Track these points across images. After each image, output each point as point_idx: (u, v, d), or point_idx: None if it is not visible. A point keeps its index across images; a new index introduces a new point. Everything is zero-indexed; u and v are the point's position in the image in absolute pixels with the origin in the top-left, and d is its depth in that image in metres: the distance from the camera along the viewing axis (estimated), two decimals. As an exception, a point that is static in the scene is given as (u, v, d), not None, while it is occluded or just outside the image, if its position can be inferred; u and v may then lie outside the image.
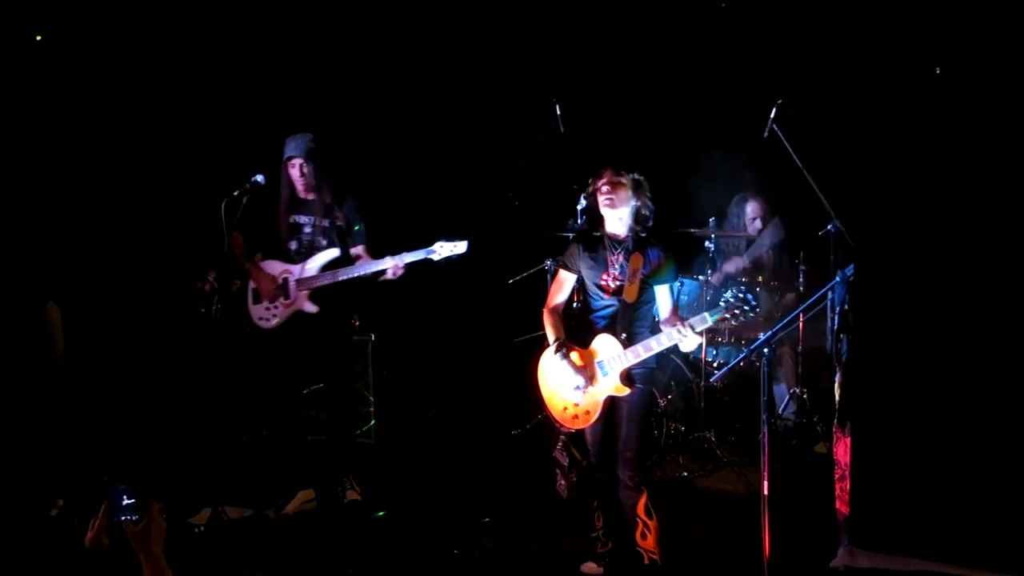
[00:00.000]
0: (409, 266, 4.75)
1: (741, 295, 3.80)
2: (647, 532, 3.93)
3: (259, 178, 4.61)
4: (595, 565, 4.15)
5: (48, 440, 5.39)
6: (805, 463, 5.52)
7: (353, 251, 4.91)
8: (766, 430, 3.70)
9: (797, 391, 5.90)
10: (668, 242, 4.05)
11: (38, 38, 6.55)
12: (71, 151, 6.52)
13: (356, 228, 4.92)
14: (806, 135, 5.28)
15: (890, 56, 5.47)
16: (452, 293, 6.56)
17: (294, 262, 4.88)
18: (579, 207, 5.66)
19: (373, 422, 6.25)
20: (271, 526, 4.80)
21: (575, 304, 4.65)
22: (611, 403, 3.95)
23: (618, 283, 3.97)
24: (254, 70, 6.88)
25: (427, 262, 4.76)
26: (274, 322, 4.90)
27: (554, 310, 4.13)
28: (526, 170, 5.83)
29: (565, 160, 5.96)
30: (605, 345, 3.93)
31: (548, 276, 5.89)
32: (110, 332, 6.12)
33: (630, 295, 3.93)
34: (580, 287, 4.16)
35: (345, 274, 4.79)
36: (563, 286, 4.13)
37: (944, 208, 3.77)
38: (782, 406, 5.98)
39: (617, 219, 3.99)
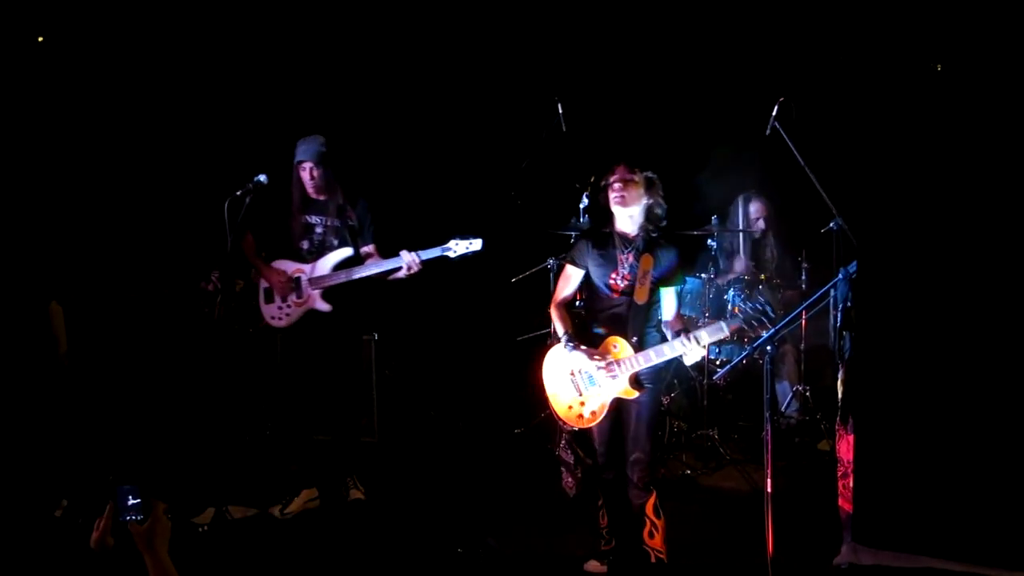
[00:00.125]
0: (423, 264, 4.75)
1: (760, 307, 3.76)
2: (655, 531, 3.92)
3: (262, 178, 4.61)
4: (598, 564, 4.15)
5: (52, 440, 5.40)
6: (808, 460, 5.52)
7: (364, 250, 4.92)
8: (769, 428, 3.70)
9: (800, 388, 5.91)
10: (677, 243, 4.01)
11: (40, 39, 6.55)
12: (74, 151, 6.53)
13: (367, 228, 4.93)
14: (808, 133, 5.28)
15: (891, 53, 5.46)
16: (455, 292, 6.57)
17: (305, 261, 4.89)
18: (581, 205, 5.67)
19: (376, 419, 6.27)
20: (275, 525, 4.81)
21: (578, 302, 4.64)
22: (618, 403, 3.92)
23: (627, 283, 3.92)
24: (257, 69, 6.88)
25: (440, 260, 4.76)
26: (286, 321, 4.91)
27: (561, 304, 4.08)
28: (528, 169, 5.83)
29: (567, 159, 5.97)
30: (616, 347, 3.88)
31: (551, 275, 5.90)
32: (113, 332, 6.13)
33: (641, 297, 3.89)
34: (585, 284, 4.10)
35: (360, 272, 4.80)
36: (570, 281, 4.08)
37: (947, 205, 3.76)
38: (785, 404, 5.98)
39: (627, 217, 3.93)
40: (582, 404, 3.95)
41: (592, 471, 4.29)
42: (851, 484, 3.92)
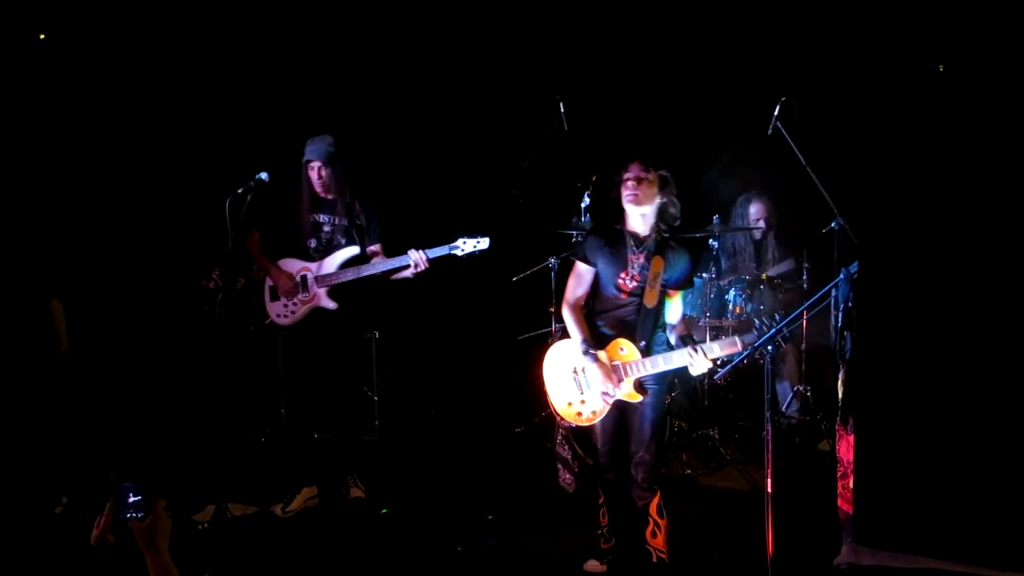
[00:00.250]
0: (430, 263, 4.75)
1: (775, 322, 3.66)
2: (657, 531, 3.89)
3: (263, 176, 4.61)
4: (598, 563, 4.14)
5: (52, 438, 5.40)
6: (808, 461, 5.52)
7: (370, 249, 4.94)
8: (769, 428, 3.70)
9: (800, 389, 5.91)
10: (690, 246, 3.96)
11: (41, 36, 6.55)
12: (75, 149, 6.53)
13: (374, 227, 4.93)
14: (809, 132, 5.28)
15: (893, 53, 5.46)
16: (456, 290, 6.57)
17: (312, 260, 4.89)
18: (583, 204, 5.67)
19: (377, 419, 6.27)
20: (276, 523, 4.82)
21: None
22: (622, 403, 3.87)
23: (636, 284, 3.85)
24: (259, 68, 6.88)
25: (442, 259, 4.76)
26: (292, 319, 4.91)
27: (575, 306, 3.94)
28: (530, 168, 5.83)
29: (569, 158, 5.97)
30: (623, 350, 3.83)
31: (552, 274, 5.90)
32: (114, 330, 6.13)
33: (650, 300, 3.83)
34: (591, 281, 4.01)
35: (368, 270, 4.80)
36: (583, 280, 3.95)
37: (949, 205, 3.76)
38: (785, 404, 5.99)
39: (639, 216, 3.86)
40: (583, 403, 3.92)
41: (592, 470, 4.27)
42: (851, 484, 3.92)
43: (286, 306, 4.91)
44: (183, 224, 6.41)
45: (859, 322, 3.95)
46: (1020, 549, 3.54)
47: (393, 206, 5.13)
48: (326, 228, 4.91)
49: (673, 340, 3.96)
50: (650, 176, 3.83)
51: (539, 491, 5.22)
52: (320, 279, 4.85)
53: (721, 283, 5.96)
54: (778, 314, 3.79)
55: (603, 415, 3.88)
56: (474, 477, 5.55)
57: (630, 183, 3.82)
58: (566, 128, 5.74)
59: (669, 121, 6.72)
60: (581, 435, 5.00)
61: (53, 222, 6.21)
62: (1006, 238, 3.63)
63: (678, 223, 3.92)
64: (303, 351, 4.99)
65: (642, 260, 3.86)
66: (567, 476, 5.15)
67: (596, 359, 3.82)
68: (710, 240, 6.02)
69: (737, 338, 3.76)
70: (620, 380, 3.82)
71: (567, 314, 3.95)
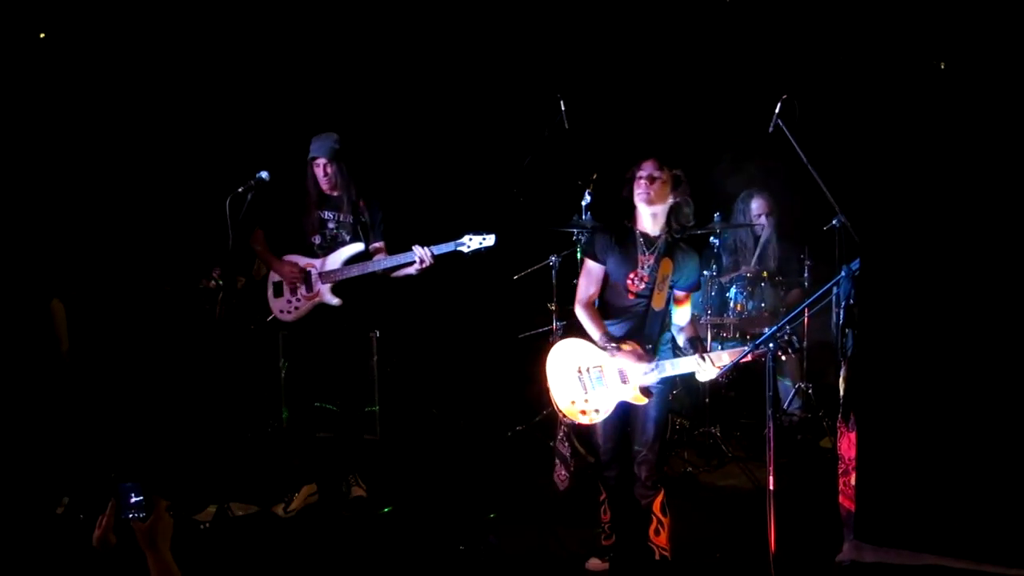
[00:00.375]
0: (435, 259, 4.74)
1: (787, 337, 3.62)
2: (661, 529, 3.88)
3: (263, 174, 4.61)
4: (599, 561, 4.13)
5: (54, 438, 5.40)
6: (810, 458, 5.51)
7: (373, 246, 4.94)
8: (771, 425, 3.69)
9: (802, 386, 5.91)
10: (696, 247, 3.92)
11: (42, 36, 6.55)
12: (75, 148, 6.53)
13: (378, 225, 4.93)
14: (811, 130, 5.27)
15: (894, 51, 5.46)
16: (457, 289, 6.57)
17: (316, 256, 4.89)
18: (584, 202, 5.67)
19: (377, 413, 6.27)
20: (277, 523, 4.81)
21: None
22: (624, 403, 3.86)
23: (644, 285, 3.81)
24: (259, 67, 6.88)
25: (444, 257, 4.75)
26: (295, 315, 4.91)
27: (588, 304, 3.86)
28: (531, 166, 5.82)
29: (570, 156, 5.96)
30: (631, 353, 3.79)
31: (553, 272, 5.90)
32: (115, 330, 6.13)
33: (658, 303, 3.81)
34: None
35: (373, 267, 4.80)
36: (593, 277, 3.87)
37: (951, 203, 3.75)
38: (787, 401, 5.98)
39: (651, 215, 3.80)
40: (586, 402, 3.90)
41: (593, 468, 4.26)
42: (852, 481, 3.91)
43: (289, 302, 4.91)
44: (183, 223, 6.41)
45: (860, 319, 3.95)
46: (1022, 545, 3.53)
47: (394, 204, 5.12)
48: (331, 225, 4.91)
49: (682, 342, 3.95)
50: (664, 175, 3.77)
51: (540, 490, 5.21)
52: (324, 275, 4.84)
53: (722, 280, 5.96)
54: (795, 336, 3.74)
55: (606, 414, 3.86)
56: (475, 476, 5.55)
57: (643, 181, 3.76)
58: (567, 126, 5.73)
59: (669, 120, 6.71)
60: (582, 433, 5.00)
61: (53, 222, 6.20)
62: (1008, 235, 3.62)
63: (692, 223, 3.87)
64: (305, 348, 4.98)
65: (652, 261, 3.81)
66: (562, 473, 5.15)
67: (620, 349, 3.76)
68: (711, 238, 6.02)
69: (747, 348, 3.68)
70: (627, 380, 3.81)
71: (581, 313, 3.88)
